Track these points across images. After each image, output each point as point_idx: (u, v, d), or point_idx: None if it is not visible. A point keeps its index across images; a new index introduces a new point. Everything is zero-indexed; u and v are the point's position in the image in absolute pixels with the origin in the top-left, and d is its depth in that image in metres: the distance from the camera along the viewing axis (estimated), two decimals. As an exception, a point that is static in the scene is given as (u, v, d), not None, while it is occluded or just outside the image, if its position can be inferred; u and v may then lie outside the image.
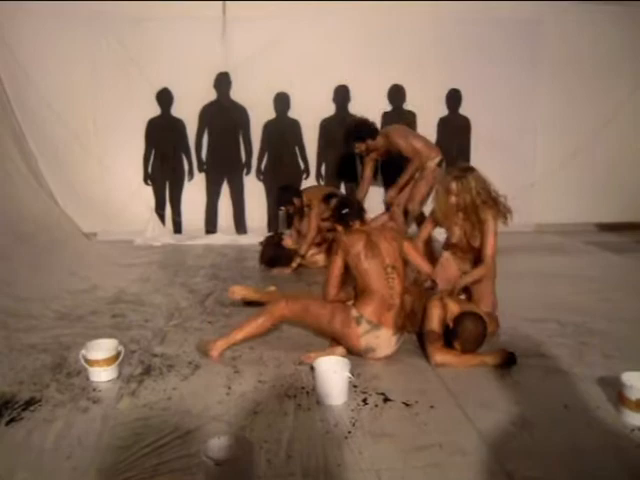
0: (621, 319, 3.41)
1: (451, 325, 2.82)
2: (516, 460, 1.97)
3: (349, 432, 2.15)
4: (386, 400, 2.40)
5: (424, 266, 3.13)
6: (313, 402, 2.38)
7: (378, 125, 6.07)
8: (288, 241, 4.95)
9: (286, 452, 2.00)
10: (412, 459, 1.98)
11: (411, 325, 3.08)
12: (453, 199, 3.21)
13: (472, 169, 3.27)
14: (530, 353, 2.89)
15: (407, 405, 2.36)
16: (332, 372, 2.38)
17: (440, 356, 2.74)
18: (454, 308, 2.94)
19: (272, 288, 3.58)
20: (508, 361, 2.71)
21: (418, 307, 3.06)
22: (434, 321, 2.86)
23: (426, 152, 4.93)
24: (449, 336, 2.82)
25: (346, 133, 5.05)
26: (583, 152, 6.35)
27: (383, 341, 2.80)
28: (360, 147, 5.01)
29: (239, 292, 3.40)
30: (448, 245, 3.42)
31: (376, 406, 2.36)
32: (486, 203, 3.15)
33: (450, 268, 3.37)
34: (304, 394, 2.46)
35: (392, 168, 5.28)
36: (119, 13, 5.52)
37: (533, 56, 6.20)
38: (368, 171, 5.24)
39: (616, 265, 4.99)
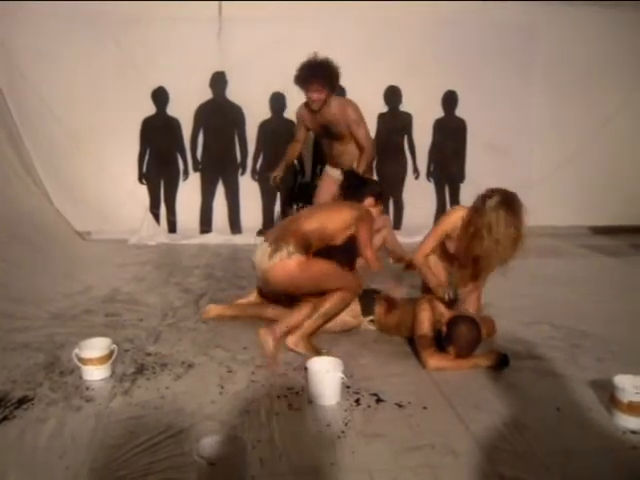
0: (614, 322, 3.43)
1: (444, 329, 2.82)
2: (508, 462, 1.98)
3: (342, 432, 2.15)
4: (379, 401, 2.41)
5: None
6: (305, 402, 2.38)
7: (374, 127, 6.13)
8: None
9: (279, 452, 2.01)
10: (404, 460, 1.98)
11: (404, 331, 3.09)
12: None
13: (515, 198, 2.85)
14: (523, 355, 2.90)
15: (400, 406, 2.37)
16: (325, 372, 2.39)
17: (434, 362, 2.74)
18: (443, 309, 2.95)
19: (259, 288, 3.54)
20: (501, 363, 2.72)
21: (408, 314, 3.06)
22: (425, 325, 2.86)
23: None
24: (442, 340, 2.82)
25: (309, 69, 4.05)
26: (578, 155, 6.36)
27: (258, 252, 2.93)
28: (319, 93, 4.00)
29: (214, 311, 3.39)
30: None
31: (369, 407, 2.36)
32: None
33: (437, 269, 3.29)
34: (296, 394, 2.46)
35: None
36: (115, 13, 5.51)
37: (529, 58, 6.22)
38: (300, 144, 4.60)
39: (610, 268, 5.01)
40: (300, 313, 2.97)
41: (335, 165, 4.15)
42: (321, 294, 2.94)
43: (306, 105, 4.15)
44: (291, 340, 2.90)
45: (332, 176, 4.09)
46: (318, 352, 2.84)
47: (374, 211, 3.29)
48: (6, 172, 5.25)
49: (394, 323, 3.14)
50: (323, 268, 2.92)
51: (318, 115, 4.07)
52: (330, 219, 3.01)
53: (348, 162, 4.05)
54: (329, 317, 2.98)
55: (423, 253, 3.09)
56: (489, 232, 2.74)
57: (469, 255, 2.93)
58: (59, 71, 5.59)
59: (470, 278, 3.14)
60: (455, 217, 2.98)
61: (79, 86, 5.65)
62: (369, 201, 3.35)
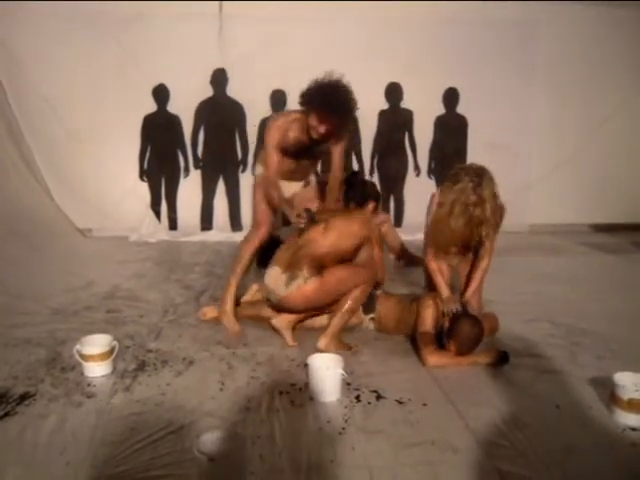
0: (614, 320, 3.44)
1: (446, 324, 2.83)
2: (508, 459, 1.98)
3: (342, 429, 2.16)
4: (379, 397, 2.41)
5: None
6: (306, 398, 2.39)
7: (374, 124, 6.13)
8: None
9: (279, 448, 2.01)
10: (404, 456, 1.99)
11: (404, 328, 3.10)
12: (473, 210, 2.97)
13: (484, 170, 3.08)
14: (523, 353, 2.90)
15: (400, 403, 2.37)
16: (325, 369, 2.39)
17: (433, 359, 2.74)
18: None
19: (255, 286, 3.53)
20: (501, 360, 2.73)
21: (409, 312, 3.07)
22: (427, 322, 2.87)
23: None
24: (443, 337, 2.83)
25: (331, 102, 3.02)
26: (578, 153, 6.36)
27: (271, 278, 2.91)
28: (331, 127, 3.02)
29: (210, 313, 3.36)
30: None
31: (369, 403, 2.37)
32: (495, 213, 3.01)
33: (441, 268, 3.33)
34: (297, 390, 2.46)
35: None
36: (116, 12, 5.51)
37: (529, 57, 6.21)
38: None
39: (610, 266, 5.01)
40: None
41: (289, 179, 3.36)
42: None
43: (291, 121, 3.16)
44: (323, 343, 2.91)
45: (299, 186, 3.43)
46: (350, 348, 2.92)
47: (369, 213, 3.37)
48: (7, 169, 5.26)
49: (394, 321, 3.15)
50: (338, 276, 2.90)
51: (308, 137, 3.11)
52: (342, 239, 2.96)
53: (301, 178, 3.42)
54: (354, 311, 3.00)
55: (432, 257, 3.17)
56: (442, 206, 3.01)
57: (457, 235, 3.06)
58: (60, 69, 5.59)
59: (471, 260, 3.24)
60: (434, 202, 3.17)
61: (80, 84, 5.66)
62: (372, 205, 3.42)
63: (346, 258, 3.00)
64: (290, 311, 3.00)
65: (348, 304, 2.93)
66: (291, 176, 3.28)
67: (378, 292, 3.23)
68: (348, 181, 3.73)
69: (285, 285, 2.86)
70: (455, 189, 2.98)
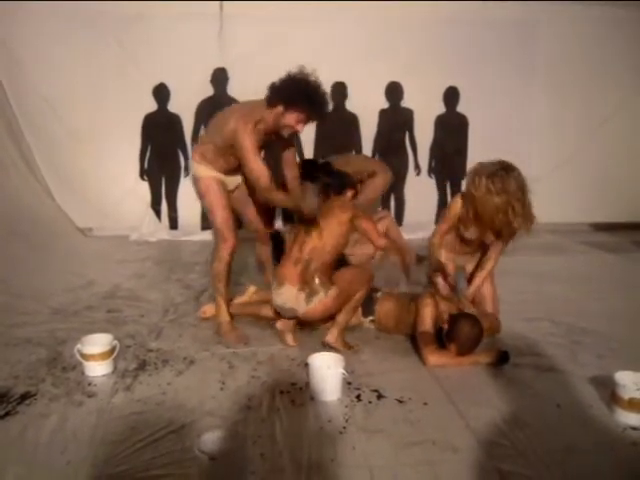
0: (615, 319, 3.43)
1: (445, 326, 2.83)
2: (508, 458, 1.98)
3: (343, 428, 2.16)
4: (380, 397, 2.42)
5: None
6: (307, 398, 2.39)
7: (375, 123, 6.13)
8: None
9: (279, 447, 2.01)
10: (405, 455, 1.99)
11: (404, 328, 3.10)
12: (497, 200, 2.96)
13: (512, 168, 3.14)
14: (524, 352, 2.91)
15: (400, 402, 2.37)
16: (326, 368, 2.39)
17: (434, 358, 2.75)
18: (444, 307, 2.97)
19: (252, 288, 3.55)
20: (501, 360, 2.73)
21: (408, 311, 3.06)
22: (427, 321, 2.87)
23: None
24: (443, 338, 2.83)
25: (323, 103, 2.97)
26: (578, 152, 6.35)
27: (286, 297, 2.90)
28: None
29: (210, 311, 3.35)
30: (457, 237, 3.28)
31: (370, 402, 2.37)
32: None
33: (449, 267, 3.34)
34: (298, 390, 2.47)
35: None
36: (116, 10, 5.50)
37: (529, 56, 6.20)
38: None
39: (611, 265, 5.01)
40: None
41: (233, 174, 3.27)
42: None
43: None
44: (332, 337, 2.95)
45: (239, 179, 3.34)
46: (351, 347, 2.96)
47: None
48: (7, 168, 5.26)
49: (393, 321, 3.15)
50: (349, 279, 2.95)
51: (270, 135, 3.11)
52: (336, 233, 2.94)
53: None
54: (357, 308, 3.05)
55: (439, 233, 3.22)
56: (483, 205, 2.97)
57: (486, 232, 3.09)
58: (60, 69, 5.58)
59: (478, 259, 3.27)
60: (457, 203, 3.16)
61: (80, 83, 5.64)
62: (350, 193, 3.40)
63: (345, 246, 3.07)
64: (309, 322, 3.06)
65: (353, 301, 2.96)
66: (234, 172, 3.21)
67: (378, 294, 3.23)
68: (324, 170, 3.74)
69: (306, 302, 2.87)
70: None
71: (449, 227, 3.20)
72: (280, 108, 2.88)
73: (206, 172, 3.11)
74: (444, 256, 3.30)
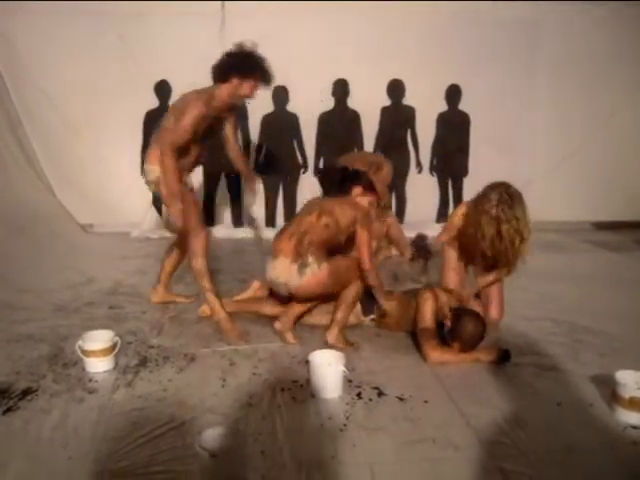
0: (616, 318, 3.43)
1: (447, 323, 2.83)
2: (508, 456, 1.98)
3: (343, 425, 2.16)
4: (380, 394, 2.42)
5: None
6: (308, 395, 2.39)
7: (377, 121, 6.12)
8: None
9: (280, 444, 2.02)
10: (405, 453, 1.99)
11: (405, 325, 3.09)
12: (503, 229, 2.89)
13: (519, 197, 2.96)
14: (525, 351, 2.90)
15: (401, 400, 2.38)
16: (327, 366, 2.39)
17: (435, 355, 2.75)
18: (445, 299, 2.96)
19: (255, 283, 3.55)
20: (502, 358, 2.73)
21: (409, 308, 3.06)
22: (427, 317, 2.87)
23: None
24: (446, 334, 2.83)
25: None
26: (581, 150, 6.33)
27: (280, 270, 2.89)
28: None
29: (207, 311, 3.31)
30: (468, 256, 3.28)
31: (370, 400, 2.37)
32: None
33: (454, 271, 3.32)
34: (299, 387, 2.47)
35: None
36: (117, 12, 5.50)
37: (532, 54, 6.18)
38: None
39: (613, 264, 5.00)
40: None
41: (189, 170, 3.36)
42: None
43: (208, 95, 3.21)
44: (332, 336, 2.95)
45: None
46: (352, 345, 2.96)
47: (364, 200, 3.19)
48: (8, 165, 5.26)
49: (394, 319, 3.14)
50: (346, 263, 2.94)
51: (219, 107, 3.24)
52: (336, 221, 2.95)
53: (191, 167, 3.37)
54: (353, 306, 3.04)
55: (440, 239, 3.34)
56: (488, 232, 2.89)
57: (478, 253, 3.04)
58: (61, 65, 5.57)
59: (487, 273, 3.21)
60: (459, 214, 3.17)
61: (81, 80, 5.64)
62: (356, 191, 3.20)
63: (341, 242, 3.01)
64: (303, 299, 2.99)
65: (347, 298, 2.96)
66: (192, 166, 3.34)
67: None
68: (322, 172, 3.66)
69: (299, 274, 2.83)
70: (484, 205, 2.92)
71: (449, 235, 3.25)
72: (235, 80, 3.10)
73: (156, 173, 3.14)
74: (452, 257, 3.30)
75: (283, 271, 2.88)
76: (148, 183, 3.20)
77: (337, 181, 3.32)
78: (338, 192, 3.21)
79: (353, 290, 2.97)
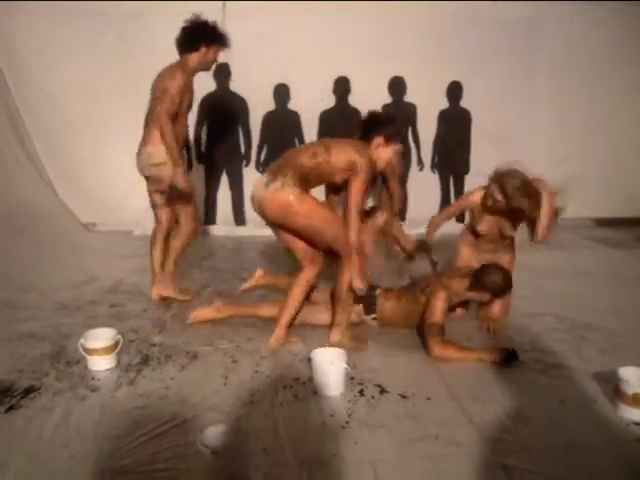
0: (618, 314, 3.42)
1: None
2: (511, 453, 1.98)
3: (346, 423, 2.16)
4: (382, 392, 2.42)
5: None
6: (310, 393, 2.39)
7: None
8: None
9: (282, 442, 2.02)
10: (407, 450, 1.99)
11: (410, 321, 3.09)
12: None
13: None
14: (527, 347, 2.90)
15: (403, 397, 2.37)
16: (329, 363, 2.39)
17: (439, 350, 2.74)
18: (459, 286, 3.00)
19: (259, 271, 3.42)
20: (506, 360, 2.69)
21: (416, 303, 3.05)
22: (437, 315, 2.86)
23: None
24: (472, 286, 2.95)
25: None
26: (583, 147, 6.33)
27: (256, 183, 2.80)
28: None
29: (200, 317, 3.21)
30: (474, 234, 3.32)
31: (372, 397, 2.37)
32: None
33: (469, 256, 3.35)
34: (300, 384, 2.47)
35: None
36: (116, 12, 5.50)
37: (533, 53, 6.17)
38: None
39: (614, 260, 4.99)
40: (290, 305, 2.95)
41: (182, 142, 3.59)
42: (312, 245, 2.84)
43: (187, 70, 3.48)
44: (334, 336, 2.90)
45: None
46: (362, 341, 2.93)
47: (387, 151, 2.95)
48: (10, 164, 5.27)
49: (398, 318, 3.13)
50: (318, 209, 2.75)
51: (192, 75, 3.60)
52: (330, 156, 2.76)
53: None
54: (348, 306, 2.94)
55: (444, 213, 3.50)
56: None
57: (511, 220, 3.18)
58: (61, 64, 5.57)
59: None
60: (476, 195, 3.23)
61: (82, 79, 5.64)
62: (378, 140, 2.92)
63: (332, 182, 2.89)
64: (268, 220, 2.83)
65: (339, 296, 2.89)
66: (184, 138, 3.58)
67: (377, 291, 3.18)
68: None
69: (265, 186, 2.70)
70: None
71: (455, 211, 3.47)
72: (203, 48, 3.42)
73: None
74: (466, 253, 3.35)
75: (257, 184, 2.79)
76: (146, 167, 3.46)
77: (359, 126, 3.05)
78: (359, 134, 2.98)
79: (341, 286, 2.87)
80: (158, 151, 3.34)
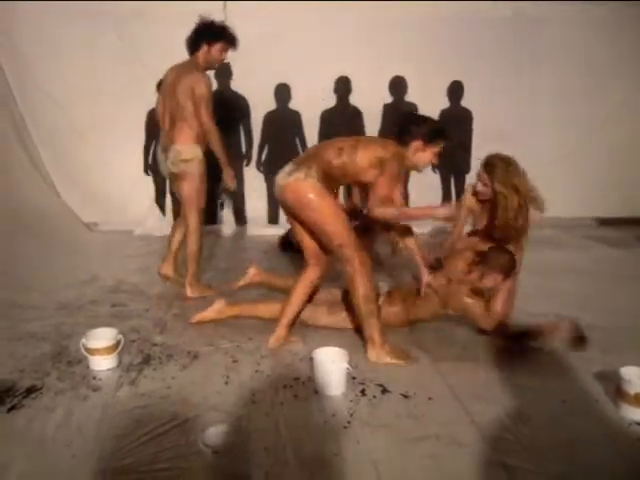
0: (619, 314, 3.42)
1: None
2: (512, 452, 1.98)
3: (347, 422, 2.16)
4: (384, 391, 2.42)
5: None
6: (311, 392, 2.39)
7: (379, 117, 6.11)
8: None
9: (283, 441, 2.02)
10: (409, 450, 1.99)
11: (412, 317, 3.08)
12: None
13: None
14: (528, 347, 2.89)
15: (405, 397, 2.37)
16: (330, 363, 2.39)
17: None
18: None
19: (252, 269, 3.44)
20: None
21: (419, 307, 3.04)
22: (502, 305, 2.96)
23: None
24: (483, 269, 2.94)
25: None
26: (583, 146, 6.34)
27: (280, 172, 2.75)
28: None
29: (207, 317, 3.22)
30: (476, 233, 3.30)
31: (374, 397, 2.37)
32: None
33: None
34: (301, 384, 2.47)
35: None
36: (116, 12, 5.51)
37: (534, 51, 6.18)
38: None
39: (615, 260, 4.99)
40: (292, 304, 2.93)
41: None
42: (321, 245, 2.79)
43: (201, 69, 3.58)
44: (373, 354, 2.72)
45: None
46: (408, 357, 2.75)
47: (426, 155, 2.87)
48: (13, 165, 5.28)
49: (404, 321, 3.09)
50: (335, 209, 2.68)
51: None
52: (357, 155, 2.69)
53: None
54: (372, 311, 2.73)
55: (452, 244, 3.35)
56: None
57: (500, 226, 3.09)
58: (64, 65, 5.60)
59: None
60: (467, 194, 3.31)
61: (84, 79, 5.66)
62: (416, 144, 2.79)
63: (360, 182, 2.79)
64: (286, 207, 2.78)
65: (358, 310, 2.75)
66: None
67: (380, 300, 3.02)
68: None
69: (288, 175, 2.66)
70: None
71: (461, 224, 3.36)
72: (205, 47, 3.54)
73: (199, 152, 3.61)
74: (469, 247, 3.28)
75: (281, 172, 2.74)
76: (176, 163, 3.55)
77: (397, 128, 2.87)
78: (397, 139, 2.82)
79: (357, 301, 2.72)
80: (187, 148, 3.52)
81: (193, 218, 3.65)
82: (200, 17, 3.59)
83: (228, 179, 3.69)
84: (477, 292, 3.01)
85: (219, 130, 3.52)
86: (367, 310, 2.72)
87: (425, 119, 2.94)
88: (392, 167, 2.66)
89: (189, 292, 3.70)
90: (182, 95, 3.45)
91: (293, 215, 2.79)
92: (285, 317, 2.92)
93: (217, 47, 3.54)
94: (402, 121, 2.90)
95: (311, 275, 2.89)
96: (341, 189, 3.40)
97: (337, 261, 2.80)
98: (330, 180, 2.70)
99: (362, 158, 2.67)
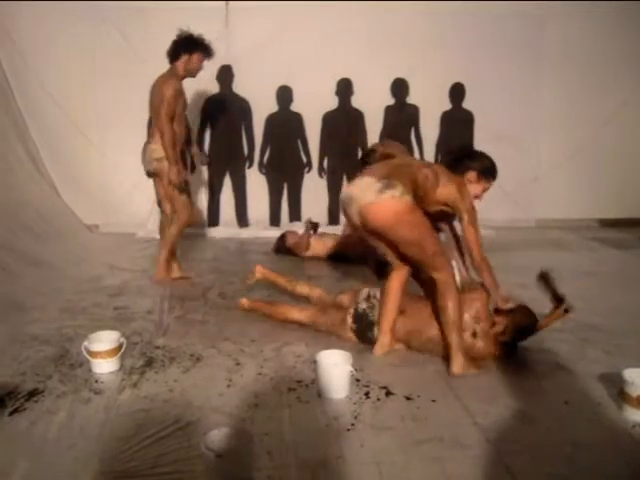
0: (623, 315, 3.42)
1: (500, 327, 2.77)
2: (516, 454, 1.97)
3: (351, 425, 2.15)
4: (388, 394, 2.41)
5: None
6: (314, 395, 2.39)
7: (380, 119, 6.11)
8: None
9: (286, 444, 2.01)
10: (413, 452, 1.98)
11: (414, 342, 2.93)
12: None
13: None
14: (531, 349, 2.89)
15: (409, 399, 2.37)
16: (334, 365, 2.39)
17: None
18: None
19: (259, 266, 3.61)
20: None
21: (424, 323, 2.89)
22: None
23: None
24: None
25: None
26: (586, 147, 6.32)
27: (359, 186, 2.64)
28: None
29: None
30: None
31: (378, 400, 2.36)
32: None
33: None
34: (304, 387, 2.46)
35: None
36: (122, 8, 5.52)
37: (537, 51, 6.17)
38: None
39: (618, 261, 4.98)
40: (389, 309, 2.86)
41: (184, 142, 4.22)
42: (402, 256, 2.75)
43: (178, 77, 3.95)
44: (457, 366, 2.62)
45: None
46: (479, 365, 2.70)
47: (477, 188, 2.86)
48: (13, 166, 5.27)
49: (403, 332, 2.90)
50: (428, 222, 2.64)
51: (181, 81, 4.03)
52: (437, 186, 2.70)
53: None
54: (457, 323, 2.65)
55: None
56: None
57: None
58: (65, 64, 5.59)
59: None
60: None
61: (85, 79, 5.65)
62: (471, 175, 2.84)
63: (424, 210, 2.70)
64: (367, 229, 2.67)
65: (446, 319, 2.66)
66: (185, 137, 4.17)
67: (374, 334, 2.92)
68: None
69: (378, 192, 2.53)
70: None
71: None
72: (185, 56, 3.88)
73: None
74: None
75: (361, 186, 2.61)
76: (150, 161, 3.99)
77: (453, 157, 2.98)
78: (453, 169, 2.87)
79: (447, 312, 2.64)
80: (159, 147, 3.88)
81: (178, 204, 3.99)
82: (179, 30, 3.92)
83: (172, 175, 3.89)
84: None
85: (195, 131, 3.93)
86: (455, 318, 2.64)
87: (481, 153, 2.99)
88: (472, 213, 2.74)
89: (157, 274, 4.08)
90: (156, 99, 3.85)
91: (380, 229, 2.63)
92: (386, 322, 2.84)
93: (197, 57, 3.90)
94: (461, 152, 3.04)
95: (402, 274, 2.84)
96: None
97: (424, 270, 2.73)
98: (415, 198, 2.63)
99: (441, 192, 2.73)
